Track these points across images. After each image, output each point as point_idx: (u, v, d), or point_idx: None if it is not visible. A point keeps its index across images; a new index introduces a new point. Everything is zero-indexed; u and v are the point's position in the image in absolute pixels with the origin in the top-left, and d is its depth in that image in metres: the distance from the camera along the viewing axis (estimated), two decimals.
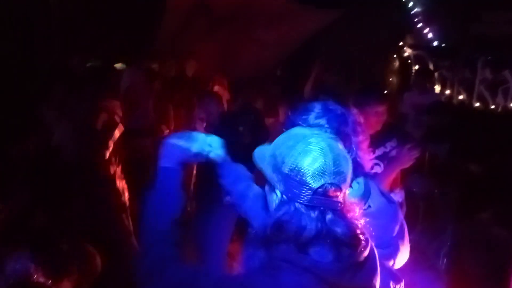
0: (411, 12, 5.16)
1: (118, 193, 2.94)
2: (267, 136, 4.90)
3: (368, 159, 1.34)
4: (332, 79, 5.21)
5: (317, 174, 0.93)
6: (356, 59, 5.25)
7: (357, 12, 5.25)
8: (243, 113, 4.45)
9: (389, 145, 2.46)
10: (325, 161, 0.94)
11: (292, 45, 5.77)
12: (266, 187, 1.05)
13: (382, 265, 1.10)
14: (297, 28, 5.47)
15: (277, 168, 0.98)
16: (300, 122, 1.26)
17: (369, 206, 1.28)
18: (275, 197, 0.99)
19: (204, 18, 5.27)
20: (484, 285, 2.21)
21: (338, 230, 0.93)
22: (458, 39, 4.72)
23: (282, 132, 1.14)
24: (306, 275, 0.91)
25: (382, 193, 1.38)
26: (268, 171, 1.01)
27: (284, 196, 0.97)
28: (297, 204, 0.95)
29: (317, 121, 1.25)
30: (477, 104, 4.64)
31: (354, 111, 1.37)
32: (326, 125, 1.24)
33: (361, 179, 1.29)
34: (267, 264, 0.95)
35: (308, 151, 0.95)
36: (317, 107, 1.29)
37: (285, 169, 0.96)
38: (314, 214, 0.93)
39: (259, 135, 4.59)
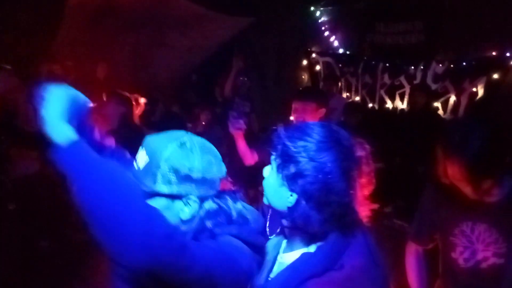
0: (318, 21, 5.44)
1: None
2: None
3: (367, 207, 1.06)
4: (247, 83, 5.28)
5: (220, 163, 1.04)
6: (268, 64, 5.38)
7: (267, 19, 5.40)
8: (164, 119, 4.36)
9: None
10: (215, 149, 1.06)
11: (205, 51, 5.75)
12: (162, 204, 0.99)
13: None
14: (209, 34, 5.47)
15: (187, 178, 0.98)
16: (292, 148, 0.97)
17: (342, 267, 0.97)
18: (188, 206, 1.00)
19: (111, 21, 5.02)
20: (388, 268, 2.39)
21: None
22: (358, 47, 5.07)
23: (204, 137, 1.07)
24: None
25: (369, 251, 1.04)
26: (176, 188, 0.98)
27: (199, 199, 1.00)
28: (210, 200, 1.02)
29: (319, 155, 0.95)
30: (378, 107, 5.01)
31: (365, 144, 1.05)
32: (329, 164, 0.95)
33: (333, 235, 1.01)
34: None
35: (202, 148, 1.02)
36: (319, 132, 0.99)
37: (197, 174, 0.98)
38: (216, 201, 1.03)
39: None
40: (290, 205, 0.99)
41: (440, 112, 4.33)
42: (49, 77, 4.17)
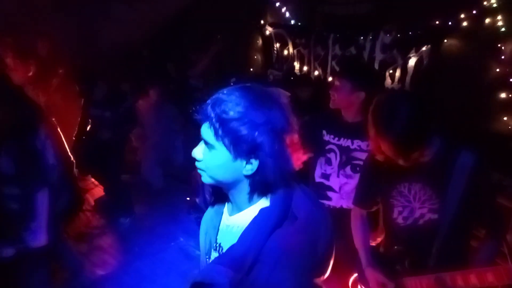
0: None
1: None
2: (136, 122, 4.71)
3: (299, 158, 1.12)
4: (200, 58, 5.18)
5: None
6: (220, 38, 5.27)
7: None
8: (109, 97, 4.19)
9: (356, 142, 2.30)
10: None
11: (155, 24, 5.54)
12: None
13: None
14: (158, 7, 5.26)
15: None
16: (233, 122, 0.99)
17: (294, 216, 1.04)
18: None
19: None
20: None
21: None
22: (310, 18, 5.05)
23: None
24: None
25: (310, 198, 1.13)
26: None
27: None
28: None
29: (262, 116, 1.00)
30: (331, 79, 5.06)
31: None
32: (274, 119, 1.01)
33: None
34: None
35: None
36: (247, 95, 1.02)
37: None
38: None
39: (128, 120, 4.38)
40: (250, 172, 1.03)
41: (388, 81, 4.45)
42: None
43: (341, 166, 2.36)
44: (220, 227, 1.19)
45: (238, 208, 1.12)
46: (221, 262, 1.03)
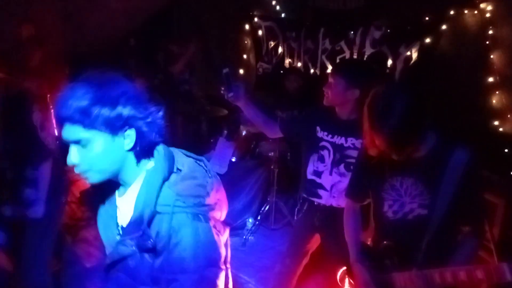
0: None
1: None
2: None
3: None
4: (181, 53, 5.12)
5: None
6: (209, 29, 5.21)
7: None
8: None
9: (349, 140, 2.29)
10: None
11: (143, 13, 5.44)
12: None
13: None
14: None
15: None
16: (94, 106, 1.07)
17: (179, 170, 1.19)
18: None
19: None
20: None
21: None
22: (300, 11, 5.02)
23: None
24: None
25: (190, 155, 1.28)
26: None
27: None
28: None
29: (113, 90, 1.09)
30: (319, 73, 5.05)
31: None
32: (125, 93, 1.11)
33: (160, 147, 1.20)
34: None
35: None
36: (91, 80, 1.11)
37: None
38: None
39: None
40: (132, 144, 1.12)
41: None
42: None
43: (335, 164, 2.32)
44: (117, 214, 1.27)
45: (128, 185, 1.20)
46: (124, 233, 1.19)
